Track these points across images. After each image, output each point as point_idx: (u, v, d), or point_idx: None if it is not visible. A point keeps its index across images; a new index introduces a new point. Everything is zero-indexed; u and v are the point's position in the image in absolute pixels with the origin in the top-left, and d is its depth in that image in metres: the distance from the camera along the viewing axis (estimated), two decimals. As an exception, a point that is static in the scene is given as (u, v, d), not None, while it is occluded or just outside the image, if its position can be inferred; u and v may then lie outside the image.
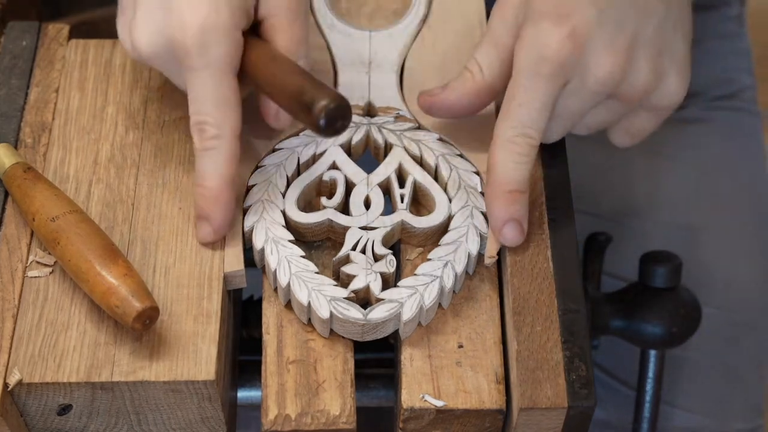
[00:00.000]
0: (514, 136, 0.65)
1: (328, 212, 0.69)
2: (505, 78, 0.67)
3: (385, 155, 0.72)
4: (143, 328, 0.62)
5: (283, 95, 0.64)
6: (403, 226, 0.69)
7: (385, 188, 0.70)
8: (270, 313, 0.67)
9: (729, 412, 0.95)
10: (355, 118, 0.73)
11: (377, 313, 0.65)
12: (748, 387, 0.96)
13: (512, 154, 0.66)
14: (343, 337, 0.66)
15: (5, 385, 0.63)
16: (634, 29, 0.65)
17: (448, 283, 0.66)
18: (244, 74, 0.67)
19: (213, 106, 0.65)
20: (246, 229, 0.68)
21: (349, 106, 0.62)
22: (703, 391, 0.95)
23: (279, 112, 0.69)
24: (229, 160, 0.66)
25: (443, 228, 0.69)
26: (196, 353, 0.64)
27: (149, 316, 0.62)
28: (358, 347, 0.67)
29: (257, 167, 0.71)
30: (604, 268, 0.91)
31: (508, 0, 0.68)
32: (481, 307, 0.67)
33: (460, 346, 0.66)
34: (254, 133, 0.72)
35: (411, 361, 0.65)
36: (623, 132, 0.70)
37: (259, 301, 0.72)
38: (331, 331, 0.66)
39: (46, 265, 0.67)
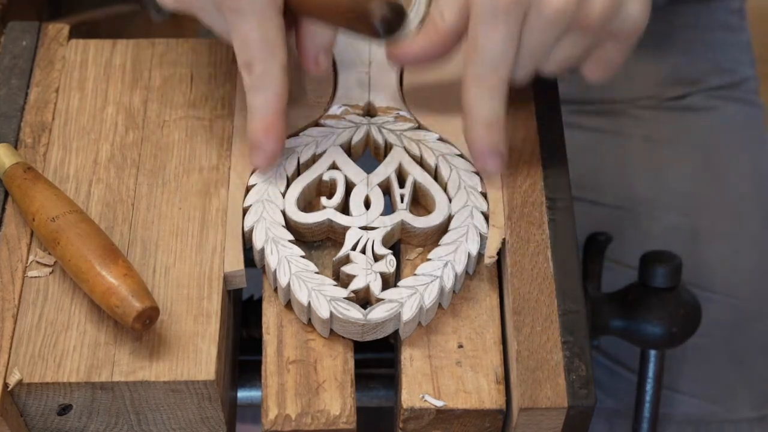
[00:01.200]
0: (483, 74, 0.66)
1: (328, 212, 0.69)
2: (466, 19, 0.67)
3: (385, 155, 0.72)
4: (143, 328, 0.62)
5: (337, 11, 0.66)
6: (403, 226, 0.69)
7: (385, 188, 0.70)
8: (270, 313, 0.67)
9: (736, 400, 0.95)
10: (354, 118, 0.73)
11: (377, 313, 0.65)
12: (756, 375, 0.96)
13: (483, 90, 0.66)
14: (343, 337, 0.66)
15: (5, 385, 0.63)
16: None
17: (448, 283, 0.66)
18: (288, 7, 0.68)
19: (259, 47, 0.66)
20: (246, 229, 0.68)
21: (401, 6, 0.65)
22: (709, 378, 0.94)
23: (318, 56, 0.70)
24: (279, 95, 0.67)
25: (443, 228, 0.69)
26: (196, 353, 0.64)
27: (149, 316, 0.62)
28: (358, 347, 0.67)
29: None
30: (608, 256, 0.90)
31: None
32: (481, 307, 0.67)
33: (460, 346, 0.66)
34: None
35: (411, 361, 0.65)
36: (594, 66, 0.70)
37: (259, 301, 0.72)
38: (331, 331, 0.66)
39: (46, 265, 0.67)
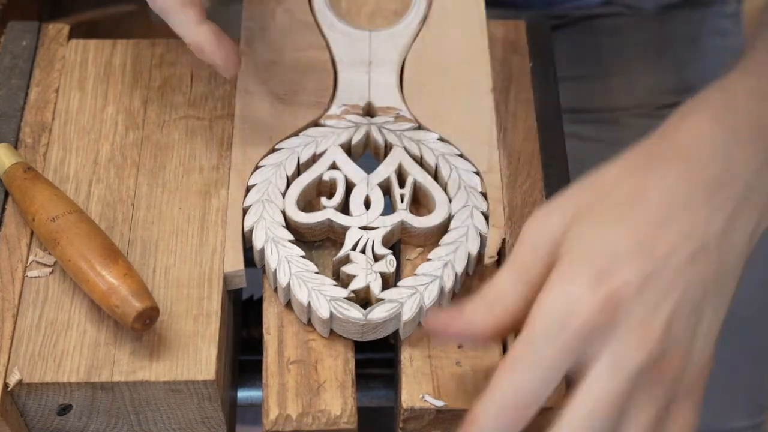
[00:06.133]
0: (503, 408, 0.55)
1: (328, 212, 0.69)
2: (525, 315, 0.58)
3: (385, 155, 0.72)
4: (143, 329, 0.62)
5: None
6: (403, 226, 0.69)
7: (385, 188, 0.70)
8: (271, 314, 0.67)
9: (730, 410, 0.95)
10: (355, 118, 0.73)
11: (377, 313, 0.65)
12: (750, 384, 0.96)
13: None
14: (343, 337, 0.66)
15: (5, 385, 0.63)
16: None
17: (448, 283, 0.66)
18: None
19: None
20: (246, 229, 0.68)
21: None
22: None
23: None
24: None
25: (443, 228, 0.69)
26: (196, 353, 0.64)
27: (149, 316, 0.62)
28: (358, 347, 0.67)
29: (257, 167, 0.71)
30: None
31: (545, 222, 0.59)
32: None
33: (460, 347, 0.66)
34: (254, 134, 0.72)
35: (411, 361, 0.65)
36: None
37: (259, 301, 0.72)
38: (331, 331, 0.66)
39: (46, 265, 0.67)
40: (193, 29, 0.65)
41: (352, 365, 0.65)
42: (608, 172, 0.60)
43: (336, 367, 0.65)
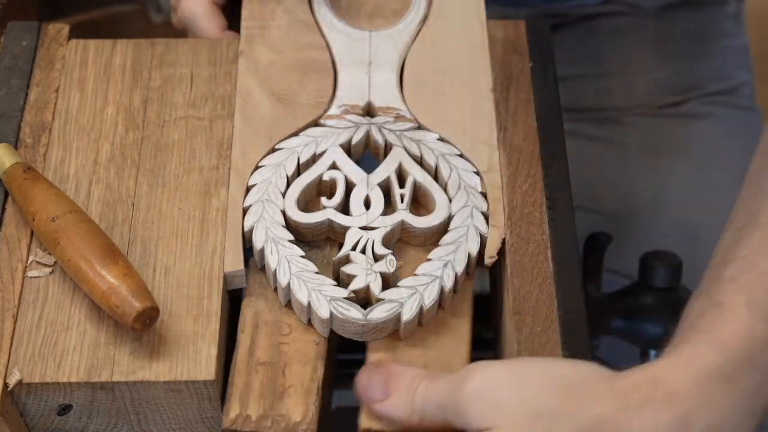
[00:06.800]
0: None
1: (328, 212, 0.69)
2: (439, 424, 0.60)
3: (385, 155, 0.72)
4: (143, 328, 0.62)
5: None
6: (403, 226, 0.69)
7: (385, 188, 0.70)
8: (248, 313, 0.67)
9: None
10: (355, 118, 0.73)
11: (377, 313, 0.65)
12: None
13: None
14: (316, 346, 0.65)
15: (5, 385, 0.63)
16: None
17: (448, 283, 0.66)
18: None
19: None
20: (246, 229, 0.68)
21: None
22: None
23: None
24: None
25: (443, 228, 0.69)
26: (196, 353, 0.64)
27: (149, 316, 0.62)
28: (348, 348, 0.66)
29: (257, 167, 0.71)
30: (605, 266, 0.90)
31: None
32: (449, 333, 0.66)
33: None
34: (254, 134, 0.72)
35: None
36: None
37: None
38: (331, 331, 0.66)
39: (46, 265, 0.67)
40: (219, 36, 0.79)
41: (320, 373, 0.64)
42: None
43: (303, 374, 0.64)
